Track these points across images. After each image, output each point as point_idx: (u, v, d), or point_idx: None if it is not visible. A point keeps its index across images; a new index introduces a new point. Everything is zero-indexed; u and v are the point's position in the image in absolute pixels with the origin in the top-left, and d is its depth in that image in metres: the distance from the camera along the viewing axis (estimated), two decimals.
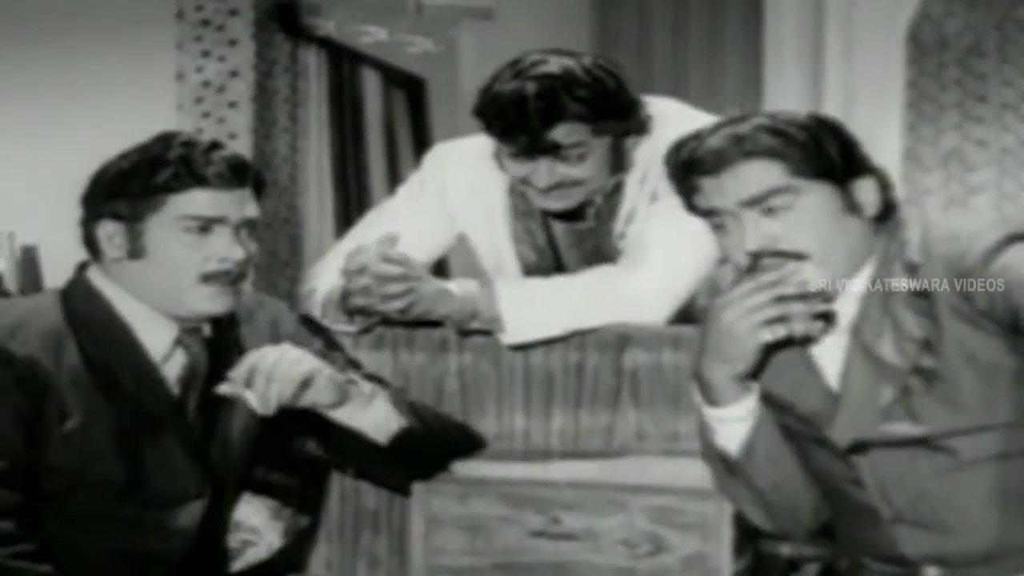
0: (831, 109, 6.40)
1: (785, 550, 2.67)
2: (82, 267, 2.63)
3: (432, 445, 2.69)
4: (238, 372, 2.48)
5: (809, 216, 2.37)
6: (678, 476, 2.61)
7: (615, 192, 2.95)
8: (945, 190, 6.53)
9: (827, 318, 2.40)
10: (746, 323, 2.36)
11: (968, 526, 2.38)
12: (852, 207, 2.39)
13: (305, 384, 2.50)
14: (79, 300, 2.58)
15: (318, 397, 2.53)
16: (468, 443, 2.80)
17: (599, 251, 2.98)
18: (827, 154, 2.37)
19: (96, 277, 2.59)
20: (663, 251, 2.83)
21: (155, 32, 4.84)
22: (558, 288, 2.86)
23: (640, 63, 6.60)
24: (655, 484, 2.66)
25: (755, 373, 2.45)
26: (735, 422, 2.46)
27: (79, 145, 3.84)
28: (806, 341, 2.42)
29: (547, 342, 2.85)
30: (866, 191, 2.40)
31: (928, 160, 6.53)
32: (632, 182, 2.95)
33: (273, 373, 2.46)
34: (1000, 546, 2.37)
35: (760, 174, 2.37)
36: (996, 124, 6.55)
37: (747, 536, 2.64)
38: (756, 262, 2.38)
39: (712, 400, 2.46)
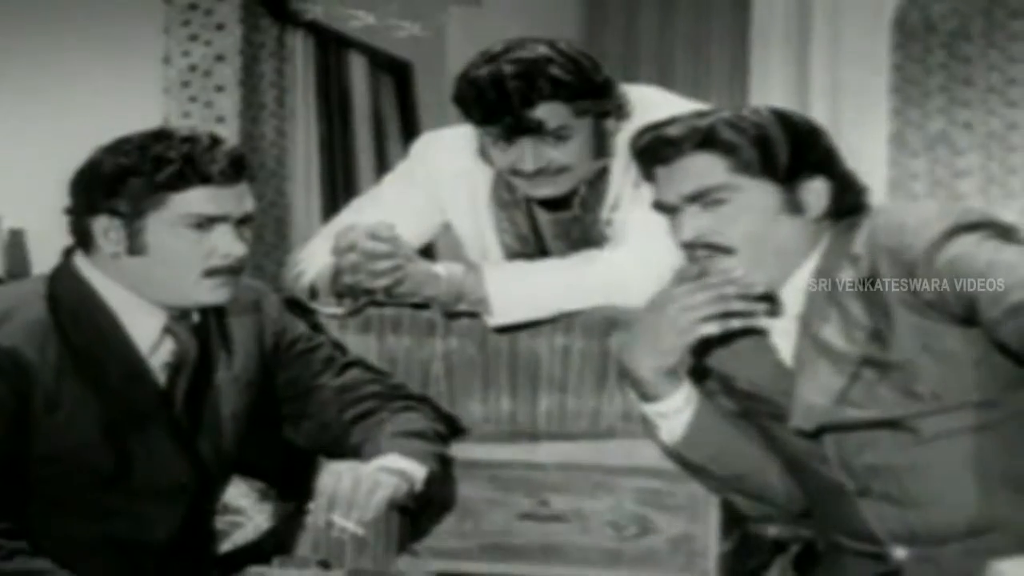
0: (818, 94, 6.43)
1: (772, 531, 2.68)
2: (67, 253, 2.59)
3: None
4: (318, 503, 2.50)
5: (742, 213, 2.39)
6: (665, 458, 2.61)
7: (600, 179, 2.96)
8: (931, 174, 6.54)
9: (772, 312, 2.43)
10: (685, 319, 2.41)
11: (936, 499, 2.36)
12: (794, 207, 2.40)
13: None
14: (65, 289, 2.55)
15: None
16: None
17: (585, 239, 2.98)
18: (774, 155, 2.39)
19: (83, 266, 2.56)
20: (647, 234, 2.84)
21: (142, 16, 4.85)
22: (544, 270, 2.87)
23: (627, 50, 6.61)
24: (642, 466, 2.66)
25: (698, 370, 2.50)
26: (675, 413, 2.49)
27: (66, 129, 3.85)
28: (749, 332, 2.46)
29: (533, 325, 2.86)
30: (812, 192, 2.40)
31: (914, 144, 6.54)
32: (617, 169, 2.95)
33: (354, 501, 2.49)
34: (971, 523, 2.34)
35: (703, 169, 2.41)
36: (982, 108, 6.56)
37: (734, 518, 2.65)
38: (692, 253, 2.44)
39: (647, 395, 2.49)
